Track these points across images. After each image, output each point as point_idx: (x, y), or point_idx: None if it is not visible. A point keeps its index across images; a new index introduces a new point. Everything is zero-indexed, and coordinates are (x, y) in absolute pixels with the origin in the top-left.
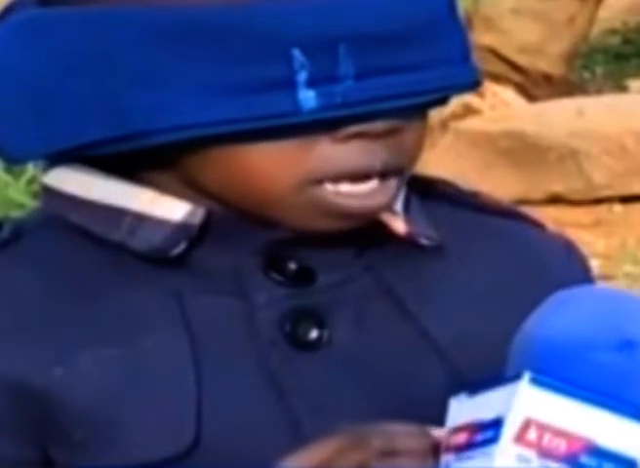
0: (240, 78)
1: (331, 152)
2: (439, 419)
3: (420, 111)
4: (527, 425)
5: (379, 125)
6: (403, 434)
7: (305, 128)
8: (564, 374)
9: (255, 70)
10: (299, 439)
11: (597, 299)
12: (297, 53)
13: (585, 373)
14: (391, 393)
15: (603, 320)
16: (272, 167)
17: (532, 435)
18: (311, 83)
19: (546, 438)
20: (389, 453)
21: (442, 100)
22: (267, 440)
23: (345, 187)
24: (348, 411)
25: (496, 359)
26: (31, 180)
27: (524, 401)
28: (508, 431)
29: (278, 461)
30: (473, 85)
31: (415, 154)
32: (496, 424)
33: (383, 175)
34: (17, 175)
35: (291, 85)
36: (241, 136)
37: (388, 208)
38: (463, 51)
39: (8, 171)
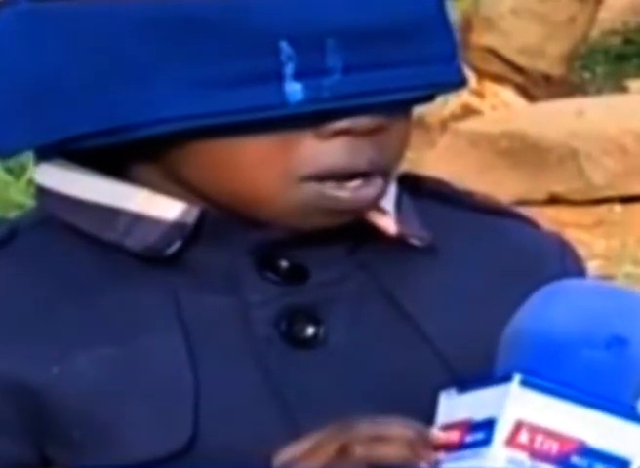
0: (227, 70)
1: (316, 150)
2: (434, 416)
3: (404, 109)
4: (518, 428)
5: (364, 122)
6: (393, 423)
7: (291, 122)
8: (553, 371)
9: (242, 62)
10: (295, 436)
11: (587, 294)
12: (284, 45)
13: (574, 371)
14: (387, 390)
15: (592, 316)
16: (257, 163)
17: (523, 437)
18: (298, 76)
19: (538, 440)
20: (375, 439)
21: (427, 98)
22: (264, 437)
23: (331, 186)
24: (344, 409)
25: (490, 355)
26: (31, 181)
27: (514, 403)
28: (500, 434)
29: (272, 455)
30: (459, 84)
31: (399, 153)
32: (487, 426)
33: (368, 174)
34: (17, 176)
35: (278, 77)
36: (227, 130)
37: (377, 206)
38: (451, 50)
39: (8, 171)
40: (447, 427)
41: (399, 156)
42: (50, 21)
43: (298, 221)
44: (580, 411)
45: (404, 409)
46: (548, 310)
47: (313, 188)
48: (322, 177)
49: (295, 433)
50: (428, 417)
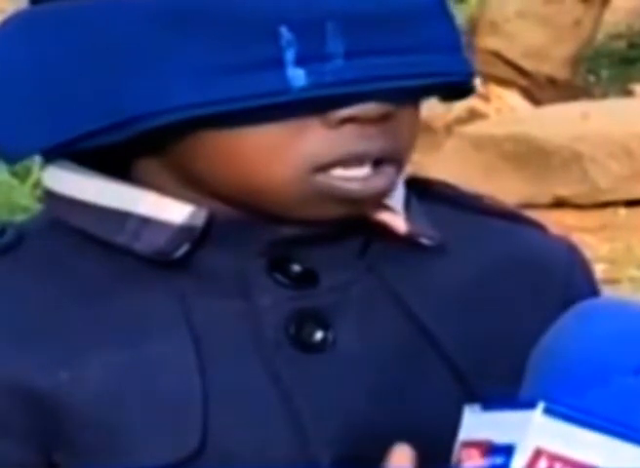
0: (229, 57)
1: (324, 138)
2: (442, 422)
3: (412, 98)
4: (537, 455)
5: (371, 109)
6: None
7: (297, 109)
8: (581, 396)
9: (243, 49)
10: (303, 442)
11: (618, 317)
12: (284, 30)
13: (603, 397)
14: (395, 395)
15: (622, 340)
16: (266, 153)
17: (542, 465)
18: (300, 61)
19: None
20: None
21: (437, 91)
22: (272, 443)
23: (339, 172)
24: (353, 414)
25: (498, 360)
26: (36, 184)
27: (536, 431)
28: (518, 461)
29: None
30: (465, 75)
31: (409, 142)
32: (506, 451)
33: (378, 162)
34: (22, 179)
35: (279, 63)
36: (232, 120)
37: (387, 205)
38: (453, 41)
39: (13, 174)
40: (467, 444)
41: (409, 145)
42: (50, 21)
43: (310, 212)
44: (601, 440)
45: (410, 414)
46: (578, 333)
47: (324, 178)
48: (333, 165)
49: (303, 438)
50: (434, 422)
